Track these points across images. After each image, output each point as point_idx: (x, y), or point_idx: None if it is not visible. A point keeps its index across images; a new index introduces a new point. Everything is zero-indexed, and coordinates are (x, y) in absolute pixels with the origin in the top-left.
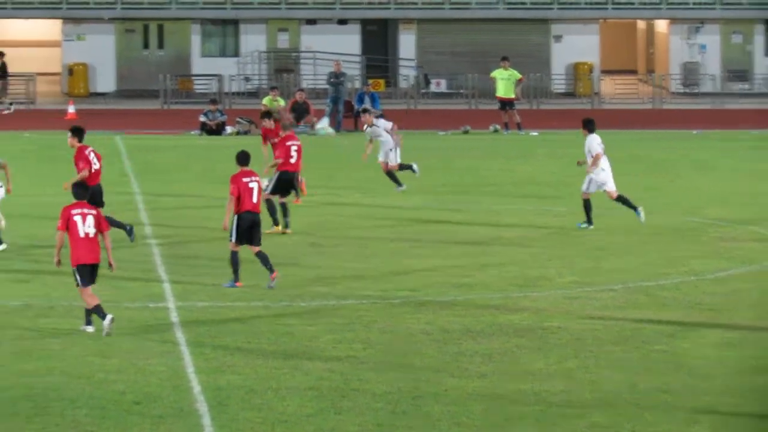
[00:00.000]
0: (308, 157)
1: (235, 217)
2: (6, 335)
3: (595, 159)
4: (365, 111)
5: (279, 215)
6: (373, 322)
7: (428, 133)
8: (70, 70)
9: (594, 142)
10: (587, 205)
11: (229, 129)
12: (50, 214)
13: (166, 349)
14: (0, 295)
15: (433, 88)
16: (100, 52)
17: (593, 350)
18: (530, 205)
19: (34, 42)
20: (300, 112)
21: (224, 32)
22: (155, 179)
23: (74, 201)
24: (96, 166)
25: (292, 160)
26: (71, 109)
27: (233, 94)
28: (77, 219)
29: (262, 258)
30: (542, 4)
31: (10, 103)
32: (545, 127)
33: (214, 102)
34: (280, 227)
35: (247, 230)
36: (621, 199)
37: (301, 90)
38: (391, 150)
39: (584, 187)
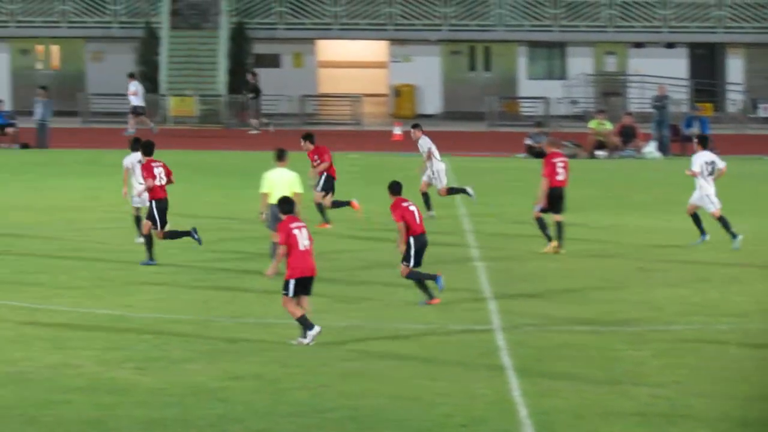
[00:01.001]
0: (634, 181)
1: (411, 240)
2: (333, 356)
3: (692, 174)
4: (415, 126)
5: (552, 232)
6: (699, 348)
7: (755, 158)
8: (397, 92)
9: (698, 159)
10: (695, 219)
11: None
12: (378, 236)
13: (493, 372)
14: (329, 317)
15: (761, 113)
16: (427, 74)
17: None
18: None
19: (362, 63)
20: (627, 135)
21: (551, 55)
22: (482, 201)
23: (286, 216)
24: (163, 181)
25: (559, 177)
26: (397, 131)
27: (560, 117)
28: (296, 232)
29: (413, 276)
30: None
31: (267, 123)
32: None
33: (539, 125)
34: (555, 243)
35: (421, 251)
36: (722, 221)
37: (629, 113)
38: (433, 173)
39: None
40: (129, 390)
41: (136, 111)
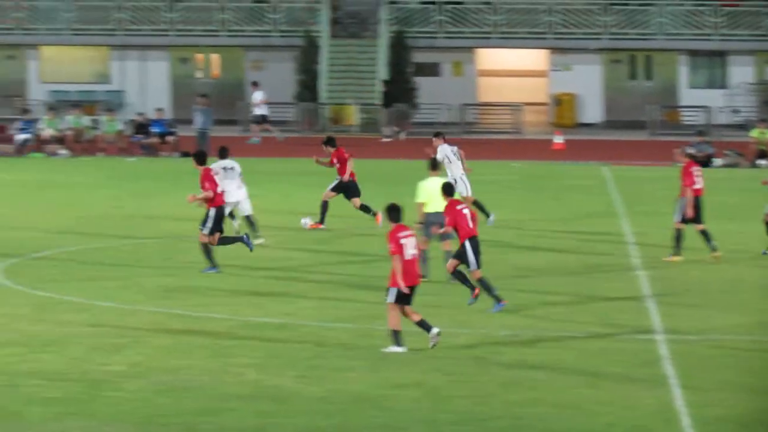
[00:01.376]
0: None
1: (467, 243)
2: (494, 364)
3: None
4: (437, 135)
5: (703, 242)
6: None
7: None
8: (558, 101)
9: None
10: None
11: (717, 161)
12: (538, 244)
13: (655, 381)
14: (488, 325)
15: None
16: (587, 83)
17: None
18: None
19: (522, 72)
20: None
21: (711, 64)
22: (643, 211)
23: (394, 225)
24: (221, 188)
25: (697, 186)
26: (558, 140)
27: (721, 126)
28: (404, 242)
29: (484, 284)
30: None
31: (398, 132)
32: None
33: (701, 134)
34: (677, 257)
35: (478, 253)
36: None
37: None
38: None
39: None
40: (291, 398)
41: (262, 119)
